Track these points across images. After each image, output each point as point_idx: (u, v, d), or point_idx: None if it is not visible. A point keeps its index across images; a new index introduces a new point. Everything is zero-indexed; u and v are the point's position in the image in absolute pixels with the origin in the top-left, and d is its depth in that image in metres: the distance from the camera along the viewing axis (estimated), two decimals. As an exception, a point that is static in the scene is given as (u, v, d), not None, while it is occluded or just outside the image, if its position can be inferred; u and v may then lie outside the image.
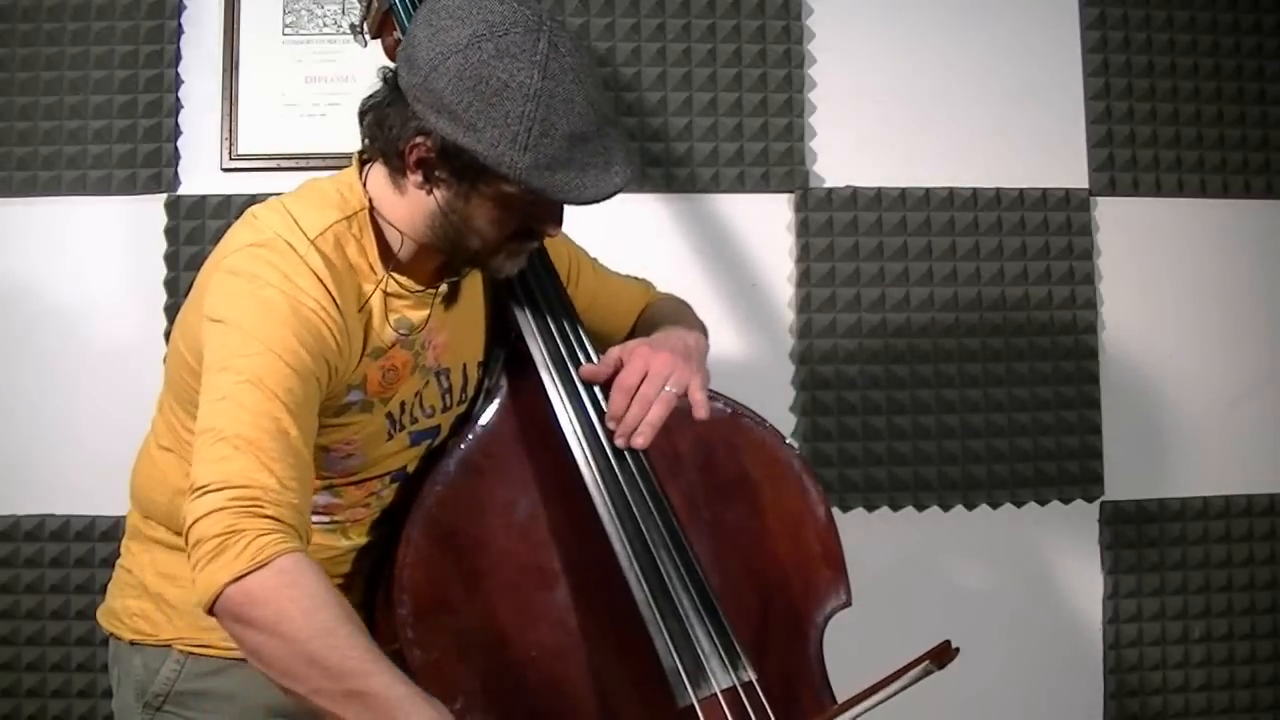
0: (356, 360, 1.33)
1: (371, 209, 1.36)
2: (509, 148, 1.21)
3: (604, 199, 1.26)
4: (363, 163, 1.39)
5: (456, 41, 1.22)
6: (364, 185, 1.37)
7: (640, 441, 1.40)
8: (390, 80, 1.32)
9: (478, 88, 1.21)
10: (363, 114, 1.36)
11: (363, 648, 1.13)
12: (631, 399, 1.40)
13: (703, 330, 1.63)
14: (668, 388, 1.41)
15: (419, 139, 1.27)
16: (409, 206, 1.34)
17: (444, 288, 1.42)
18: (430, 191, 1.30)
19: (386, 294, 1.36)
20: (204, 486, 1.15)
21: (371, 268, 1.36)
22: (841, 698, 1.32)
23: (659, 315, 1.66)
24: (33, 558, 2.20)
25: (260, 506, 1.14)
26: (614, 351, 1.45)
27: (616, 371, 1.43)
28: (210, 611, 1.14)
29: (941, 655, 1.15)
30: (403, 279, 1.38)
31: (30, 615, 2.19)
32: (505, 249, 1.36)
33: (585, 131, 1.24)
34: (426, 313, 1.40)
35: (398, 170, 1.32)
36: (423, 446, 1.47)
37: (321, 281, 1.27)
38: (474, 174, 1.26)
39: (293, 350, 1.22)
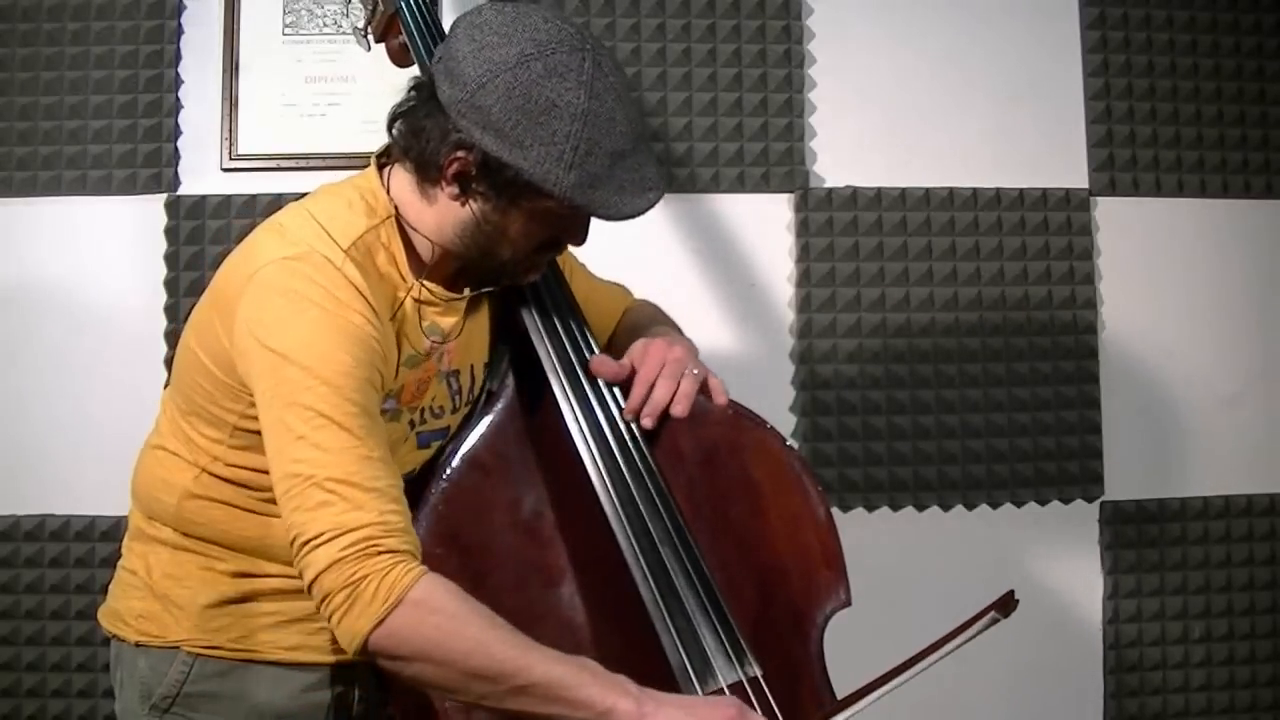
0: (395, 370, 1.34)
1: (397, 215, 1.36)
2: (555, 166, 1.23)
3: (640, 215, 1.29)
4: (380, 166, 1.39)
5: (505, 60, 1.23)
6: (387, 190, 1.37)
7: (679, 410, 1.43)
8: (425, 91, 1.31)
9: (525, 106, 1.22)
10: (392, 120, 1.35)
11: (514, 645, 1.18)
12: (651, 388, 1.44)
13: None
14: (694, 371, 1.46)
15: (460, 153, 1.27)
16: (437, 215, 1.34)
17: (467, 291, 1.42)
18: (465, 203, 1.31)
19: (418, 302, 1.37)
20: (313, 540, 1.17)
21: (401, 276, 1.36)
22: (841, 694, 1.32)
23: (644, 318, 1.68)
24: (33, 558, 2.19)
25: (374, 544, 1.16)
26: (626, 357, 1.47)
27: (629, 373, 1.45)
28: (362, 655, 1.19)
29: (1005, 604, 1.18)
30: (433, 286, 1.38)
31: (30, 615, 2.19)
32: (531, 259, 1.38)
33: (624, 149, 1.26)
34: (455, 319, 1.41)
35: (431, 180, 1.32)
36: (431, 448, 1.47)
37: (361, 293, 1.27)
38: (515, 189, 1.27)
39: (348, 372, 1.23)
